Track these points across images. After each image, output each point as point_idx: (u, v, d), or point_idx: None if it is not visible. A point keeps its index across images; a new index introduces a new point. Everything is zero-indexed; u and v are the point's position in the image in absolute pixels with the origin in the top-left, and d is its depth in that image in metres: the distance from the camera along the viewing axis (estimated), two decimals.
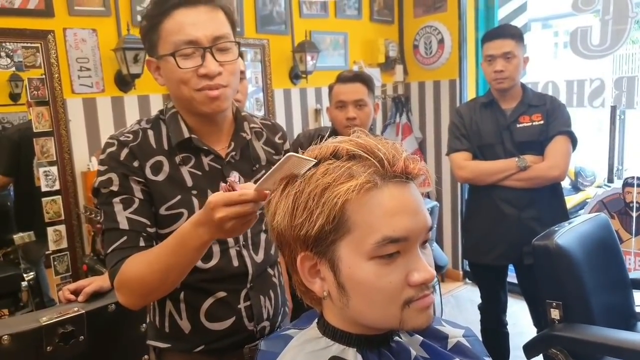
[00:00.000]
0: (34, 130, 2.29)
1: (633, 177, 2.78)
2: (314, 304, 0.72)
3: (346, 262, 0.63)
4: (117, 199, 0.96)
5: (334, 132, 1.92)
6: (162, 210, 0.99)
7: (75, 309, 1.14)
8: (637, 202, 2.78)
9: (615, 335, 1.43)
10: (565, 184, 4.13)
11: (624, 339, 1.42)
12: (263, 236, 1.10)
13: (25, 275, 2.41)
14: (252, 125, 1.12)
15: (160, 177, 1.00)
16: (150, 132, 1.03)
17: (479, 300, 2.29)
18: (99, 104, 2.48)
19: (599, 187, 4.04)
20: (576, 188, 4.42)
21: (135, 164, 0.98)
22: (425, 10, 3.56)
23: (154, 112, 1.10)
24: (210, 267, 1.02)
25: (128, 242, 0.95)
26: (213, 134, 1.05)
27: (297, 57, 3.12)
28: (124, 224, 0.95)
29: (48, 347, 1.07)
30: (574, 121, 2.01)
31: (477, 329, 2.19)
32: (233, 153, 1.06)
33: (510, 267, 2.20)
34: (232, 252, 1.05)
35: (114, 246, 0.95)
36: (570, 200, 3.84)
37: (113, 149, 0.99)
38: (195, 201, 1.01)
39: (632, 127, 2.87)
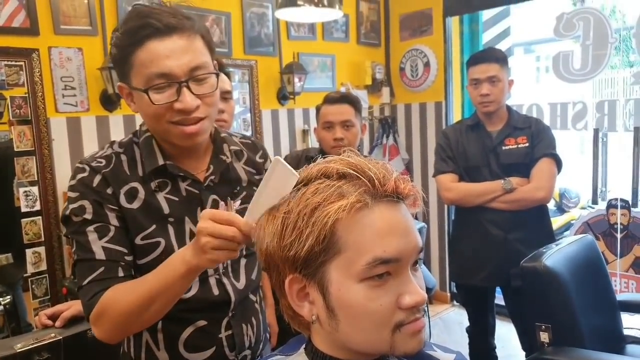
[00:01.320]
0: (15, 149, 2.24)
1: (617, 199, 2.82)
2: (302, 329, 0.70)
3: (336, 285, 0.61)
4: (90, 228, 0.91)
5: (322, 153, 1.92)
6: (138, 240, 0.95)
7: (52, 335, 1.10)
8: (621, 224, 2.81)
9: (606, 358, 1.42)
10: (550, 205, 4.17)
11: None
12: (243, 262, 1.07)
13: (1, 299, 2.33)
14: (232, 147, 1.08)
15: (135, 205, 0.95)
16: (123, 157, 0.98)
17: (467, 323, 2.27)
18: (84, 123, 2.45)
19: (583, 208, 4.09)
20: (561, 209, 4.47)
21: (109, 190, 0.93)
22: (412, 33, 3.63)
23: None
24: (189, 297, 0.97)
25: (106, 273, 0.89)
26: (190, 157, 1.01)
27: (284, 78, 3.14)
28: (100, 254, 0.90)
29: None
30: (558, 143, 2.04)
31: (465, 352, 2.16)
32: (212, 177, 1.02)
33: (498, 289, 2.19)
34: (212, 280, 1.01)
35: (90, 278, 0.89)
36: (555, 222, 3.87)
37: (85, 174, 0.94)
38: (172, 229, 0.97)
39: (614, 149, 2.92)
